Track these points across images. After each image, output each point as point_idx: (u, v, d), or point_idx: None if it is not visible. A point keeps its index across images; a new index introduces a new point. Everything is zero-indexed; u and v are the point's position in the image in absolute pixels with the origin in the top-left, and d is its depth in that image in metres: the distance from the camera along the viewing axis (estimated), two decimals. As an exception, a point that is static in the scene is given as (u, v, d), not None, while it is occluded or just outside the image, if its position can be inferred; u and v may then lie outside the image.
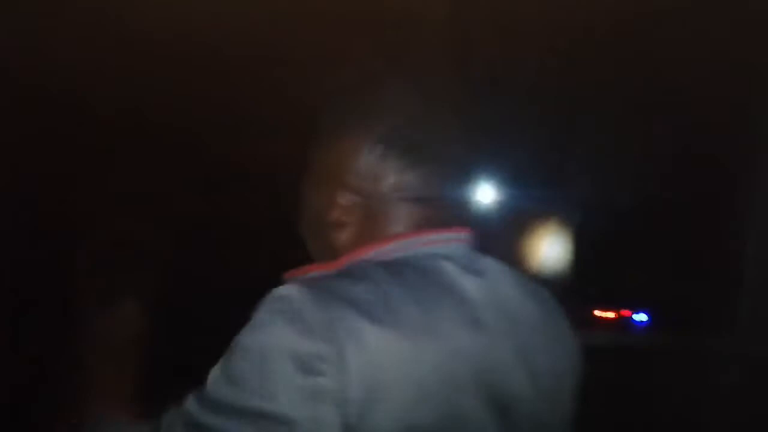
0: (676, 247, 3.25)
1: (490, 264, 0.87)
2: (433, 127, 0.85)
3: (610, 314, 3.44)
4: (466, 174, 0.90)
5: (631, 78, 2.89)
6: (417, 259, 0.80)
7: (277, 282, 0.76)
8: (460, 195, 0.89)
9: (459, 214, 0.88)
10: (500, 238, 3.27)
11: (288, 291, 0.71)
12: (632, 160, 3.16)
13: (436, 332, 0.75)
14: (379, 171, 0.83)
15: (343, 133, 0.85)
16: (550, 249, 3.35)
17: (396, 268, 0.78)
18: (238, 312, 0.72)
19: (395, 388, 0.70)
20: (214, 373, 0.72)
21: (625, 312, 3.43)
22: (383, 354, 0.69)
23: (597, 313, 3.43)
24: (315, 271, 0.80)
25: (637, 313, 3.43)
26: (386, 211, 0.84)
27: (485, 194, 3.37)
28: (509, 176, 3.33)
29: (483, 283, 0.82)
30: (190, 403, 0.71)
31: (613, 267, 3.35)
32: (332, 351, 0.67)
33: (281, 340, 0.68)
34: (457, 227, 0.87)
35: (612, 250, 3.36)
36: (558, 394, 0.88)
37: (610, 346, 3.15)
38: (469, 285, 0.81)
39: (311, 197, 0.88)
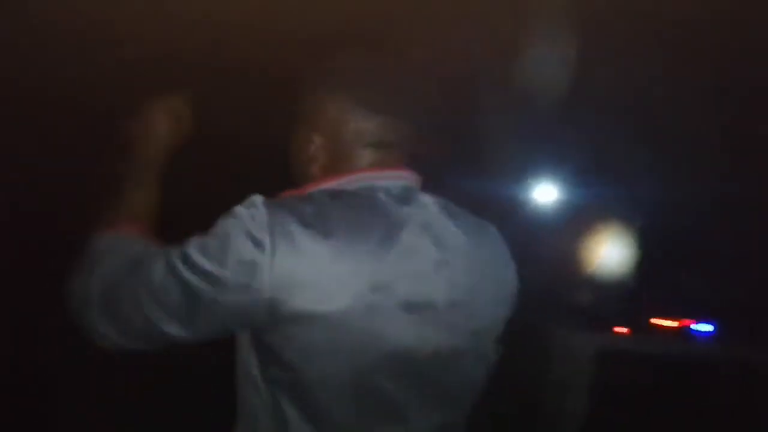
0: (746, 255, 3.07)
1: (423, 197, 1.03)
2: (388, 88, 1.03)
3: (672, 323, 3.29)
4: (416, 126, 1.07)
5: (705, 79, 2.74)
6: (358, 189, 0.99)
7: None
8: (409, 143, 1.06)
9: (408, 159, 1.06)
10: (560, 237, 3.30)
11: (256, 199, 0.93)
12: (703, 164, 3.01)
13: (358, 242, 0.92)
14: (342, 119, 1.03)
15: (317, 90, 1.06)
16: (609, 251, 3.29)
17: (338, 194, 0.98)
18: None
19: (313, 278, 0.89)
20: (195, 241, 0.93)
21: (688, 321, 3.27)
22: (308, 251, 0.90)
23: (657, 320, 3.29)
24: (285, 195, 1.00)
25: (702, 323, 3.26)
26: (346, 152, 1.03)
27: (546, 193, 3.39)
28: (572, 176, 3.33)
29: (411, 210, 0.99)
30: (175, 253, 0.93)
31: (676, 273, 3.20)
32: (271, 240, 0.89)
33: (242, 224, 0.91)
34: (402, 168, 1.04)
35: (676, 256, 3.21)
36: (475, 307, 1.01)
37: (668, 356, 3.06)
38: (397, 210, 0.98)
39: (296, 140, 1.08)
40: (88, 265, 1.00)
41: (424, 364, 0.96)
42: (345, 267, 0.91)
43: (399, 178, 1.04)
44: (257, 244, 0.90)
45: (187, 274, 0.91)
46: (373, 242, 0.94)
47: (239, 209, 0.93)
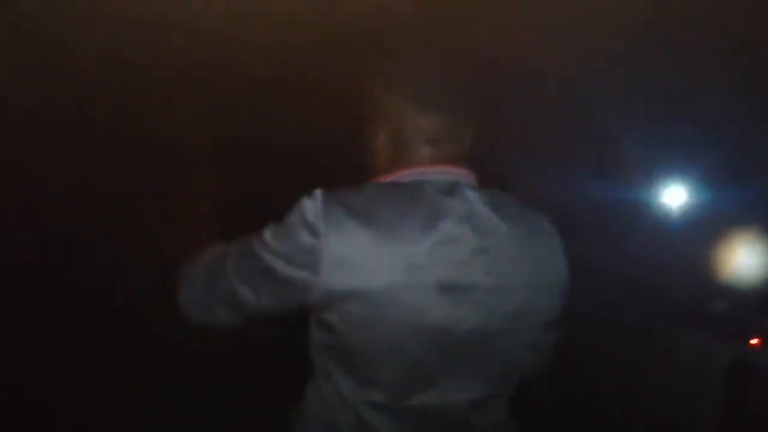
0: None
1: (468, 191, 1.12)
2: (446, 87, 1.15)
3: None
4: (469, 127, 1.19)
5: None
6: (408, 183, 1.13)
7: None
8: (465, 141, 1.19)
9: (462, 156, 1.17)
10: (694, 243, 3.18)
11: (317, 191, 1.09)
12: None
13: (398, 229, 1.05)
14: (401, 117, 1.15)
15: (381, 89, 1.18)
16: (746, 258, 3.12)
17: (389, 186, 1.13)
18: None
19: (358, 260, 1.04)
20: (271, 226, 1.11)
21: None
22: (354, 237, 1.04)
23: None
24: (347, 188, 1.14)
25: None
26: (405, 148, 1.16)
27: (680, 197, 3.37)
28: (704, 179, 3.26)
29: (453, 202, 1.09)
30: (255, 236, 1.12)
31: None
32: (324, 227, 1.05)
33: (303, 213, 1.07)
34: (453, 164, 1.15)
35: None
36: (515, 292, 1.10)
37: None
38: (439, 202, 1.09)
39: (365, 137, 1.21)
40: (188, 269, 1.21)
41: (459, 339, 1.07)
42: (385, 250, 1.04)
43: (447, 174, 1.14)
44: (312, 230, 1.05)
45: (262, 252, 1.09)
46: (413, 229, 1.06)
47: (303, 200, 1.09)
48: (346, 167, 1.30)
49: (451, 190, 1.11)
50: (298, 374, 1.18)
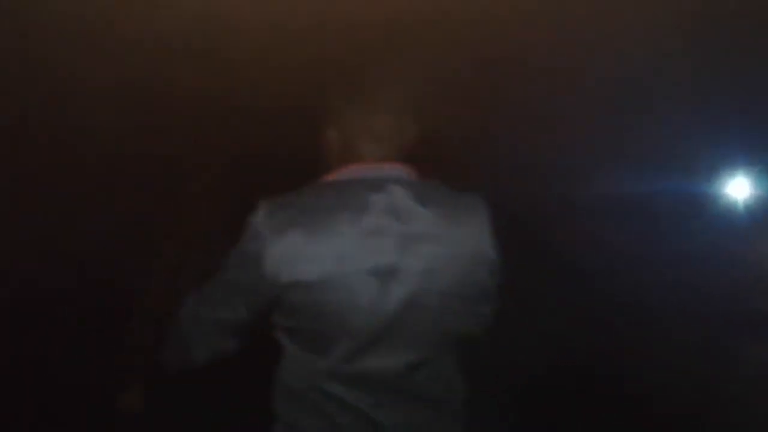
0: None
1: (394, 186, 1.27)
2: (387, 93, 1.31)
3: None
4: (411, 127, 1.34)
5: None
6: (341, 181, 1.30)
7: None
8: (407, 140, 1.34)
9: (402, 153, 1.34)
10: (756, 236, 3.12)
11: (261, 203, 1.28)
12: None
13: (329, 226, 1.23)
14: (347, 118, 1.32)
15: (331, 93, 1.36)
16: None
17: (324, 187, 1.31)
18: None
19: (296, 257, 1.22)
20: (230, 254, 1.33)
21: None
22: (292, 238, 1.22)
23: None
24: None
25: None
26: (350, 147, 1.33)
27: (740, 189, 3.20)
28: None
29: (378, 197, 1.25)
30: (222, 266, 1.33)
31: None
32: (268, 234, 1.24)
33: (252, 227, 1.27)
34: (391, 162, 1.32)
35: None
36: (442, 272, 1.26)
37: None
38: (367, 198, 1.25)
39: (319, 138, 1.38)
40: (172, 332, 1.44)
41: (392, 315, 1.24)
42: (318, 246, 1.23)
43: (380, 171, 1.31)
44: (257, 238, 1.25)
45: (225, 272, 1.32)
46: (341, 224, 1.24)
47: (251, 217, 1.28)
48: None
49: (379, 186, 1.26)
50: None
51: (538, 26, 2.02)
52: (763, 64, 2.38)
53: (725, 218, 3.18)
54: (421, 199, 1.28)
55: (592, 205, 3.02)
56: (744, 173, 3.23)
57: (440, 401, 1.32)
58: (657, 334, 2.69)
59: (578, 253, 2.90)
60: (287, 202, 1.27)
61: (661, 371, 2.50)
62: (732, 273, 2.97)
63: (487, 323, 1.37)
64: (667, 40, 2.18)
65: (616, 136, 2.89)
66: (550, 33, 2.07)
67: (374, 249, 1.24)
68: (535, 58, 2.18)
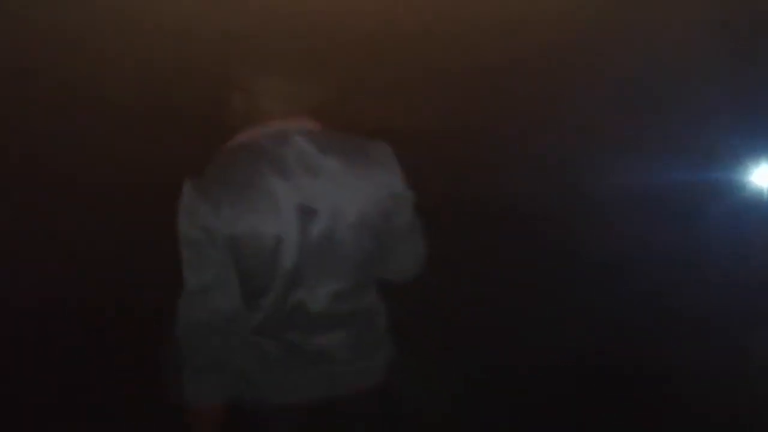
0: None
1: (298, 137, 1.42)
2: (286, 59, 1.44)
3: None
4: (311, 88, 1.46)
5: None
6: (252, 141, 1.42)
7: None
8: (308, 98, 1.46)
9: (304, 108, 1.45)
10: None
11: (185, 186, 1.38)
12: None
13: (252, 180, 1.37)
14: (252, 81, 1.43)
15: (235, 72, 1.46)
16: None
17: (238, 150, 1.42)
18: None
19: (228, 212, 1.34)
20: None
21: None
22: (222, 198, 1.35)
23: None
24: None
25: None
26: (252, 110, 1.45)
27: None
28: None
29: (285, 149, 1.40)
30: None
31: None
32: (204, 202, 1.35)
33: (184, 205, 1.37)
34: (294, 116, 1.44)
35: None
36: (351, 207, 1.41)
37: None
38: (277, 151, 1.40)
39: (225, 102, 1.49)
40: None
41: (314, 250, 1.39)
42: (245, 201, 1.35)
43: (284, 124, 1.43)
44: (193, 211, 1.35)
45: (183, 246, 1.38)
46: (260, 178, 1.37)
47: (181, 198, 1.38)
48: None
49: (284, 139, 1.40)
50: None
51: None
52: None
53: (750, 209, 3.02)
54: (325, 146, 1.42)
55: (613, 197, 2.99)
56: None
57: (363, 328, 1.51)
58: (679, 330, 2.66)
59: (598, 248, 2.90)
60: (208, 173, 1.38)
61: (685, 369, 2.45)
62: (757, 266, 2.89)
63: (408, 263, 1.56)
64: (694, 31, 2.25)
65: (638, 127, 2.95)
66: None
67: (291, 195, 1.38)
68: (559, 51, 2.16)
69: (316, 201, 1.39)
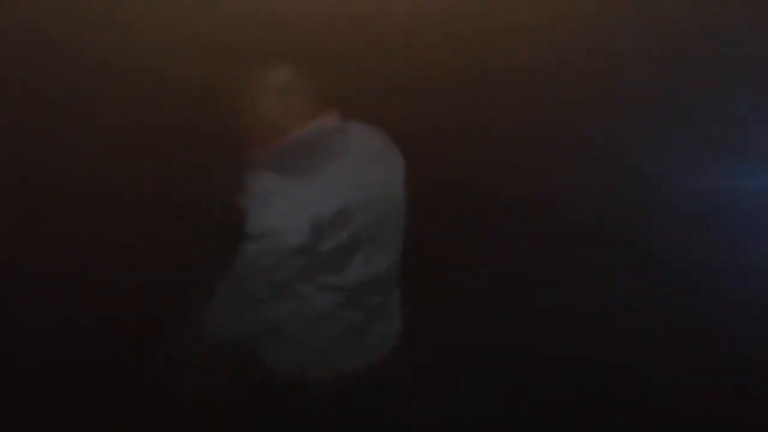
0: None
1: (350, 129, 1.56)
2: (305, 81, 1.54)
3: None
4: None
5: None
6: (316, 132, 1.52)
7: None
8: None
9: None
10: None
11: (247, 181, 1.46)
12: None
13: (315, 173, 1.45)
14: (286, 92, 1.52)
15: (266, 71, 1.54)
16: None
17: (292, 147, 1.50)
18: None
19: (318, 194, 1.43)
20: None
21: None
22: (288, 189, 1.41)
23: None
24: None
25: None
26: (288, 109, 1.53)
27: None
28: None
29: (347, 141, 1.53)
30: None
31: None
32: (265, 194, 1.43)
33: (252, 197, 1.45)
34: (324, 113, 1.54)
35: None
36: (396, 194, 1.60)
37: None
38: (341, 141, 1.52)
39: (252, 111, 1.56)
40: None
41: (379, 225, 1.54)
42: (312, 190, 1.43)
43: (328, 120, 1.54)
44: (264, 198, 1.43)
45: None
46: (323, 171, 1.46)
47: (248, 192, 1.45)
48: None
49: (342, 132, 1.54)
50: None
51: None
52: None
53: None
54: (367, 135, 1.59)
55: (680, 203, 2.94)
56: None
57: (396, 296, 1.70)
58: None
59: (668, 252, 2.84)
60: (273, 165, 1.45)
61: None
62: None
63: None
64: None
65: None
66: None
67: (359, 178, 1.50)
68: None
69: (377, 185, 1.54)
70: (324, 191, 1.44)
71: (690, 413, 2.25)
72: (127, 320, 2.49)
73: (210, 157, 2.79)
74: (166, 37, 2.71)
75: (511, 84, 3.34)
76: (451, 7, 3.32)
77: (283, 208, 1.40)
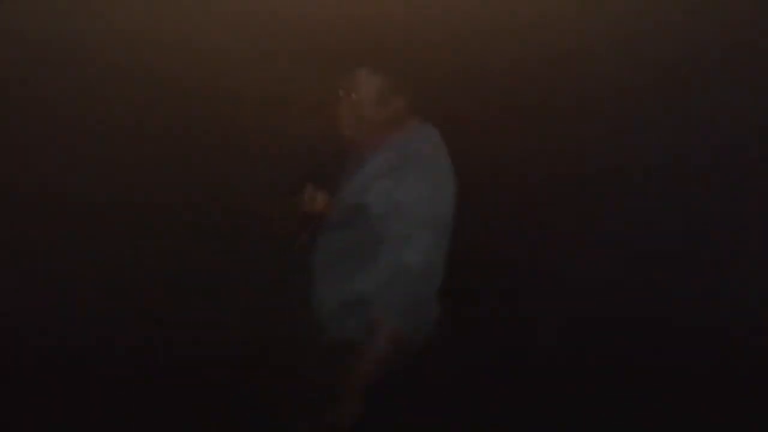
0: None
1: (428, 141, 1.80)
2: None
3: None
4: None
5: None
6: (411, 137, 1.78)
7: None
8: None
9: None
10: None
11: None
12: None
13: (440, 176, 1.75)
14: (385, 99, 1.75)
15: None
16: None
17: (402, 145, 1.78)
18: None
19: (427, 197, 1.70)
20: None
21: None
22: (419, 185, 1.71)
23: None
24: None
25: None
26: (386, 110, 1.77)
27: None
28: None
29: (431, 152, 1.76)
30: None
31: None
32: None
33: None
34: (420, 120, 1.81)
35: None
36: (444, 202, 1.77)
37: None
38: (432, 148, 1.77)
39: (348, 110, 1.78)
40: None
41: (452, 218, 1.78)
42: (434, 188, 1.73)
43: (424, 124, 1.81)
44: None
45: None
46: (440, 176, 1.78)
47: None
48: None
49: (432, 132, 1.79)
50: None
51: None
52: None
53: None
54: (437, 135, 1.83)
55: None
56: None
57: None
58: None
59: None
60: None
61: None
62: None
63: None
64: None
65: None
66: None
67: (447, 190, 1.74)
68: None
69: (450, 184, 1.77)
70: (442, 192, 1.69)
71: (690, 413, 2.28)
72: (126, 320, 2.49)
73: (211, 158, 2.83)
74: (166, 37, 2.71)
75: (512, 84, 3.36)
76: (450, 7, 3.35)
77: (442, 200, 1.68)
